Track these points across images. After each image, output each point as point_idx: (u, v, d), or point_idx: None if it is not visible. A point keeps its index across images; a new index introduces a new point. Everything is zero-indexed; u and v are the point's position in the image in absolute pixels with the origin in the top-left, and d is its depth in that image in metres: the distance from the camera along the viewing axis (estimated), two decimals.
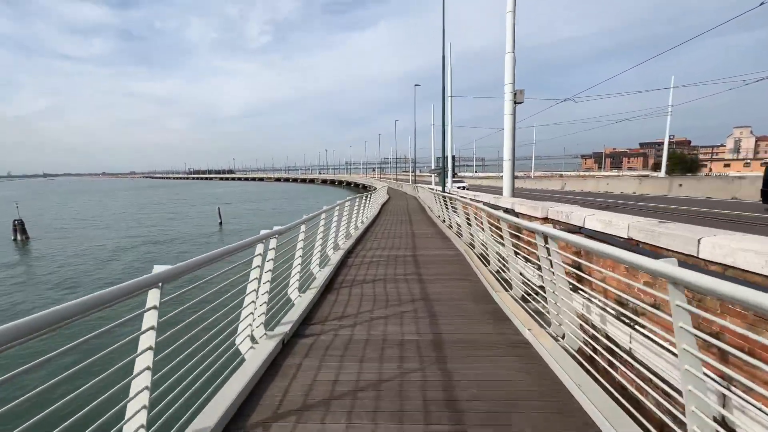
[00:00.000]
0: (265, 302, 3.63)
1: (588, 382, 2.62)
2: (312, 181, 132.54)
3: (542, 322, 3.70)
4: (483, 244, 7.15)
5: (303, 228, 5.23)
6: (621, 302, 3.50)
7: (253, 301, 3.39)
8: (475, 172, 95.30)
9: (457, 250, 8.08)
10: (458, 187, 24.90)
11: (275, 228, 3.88)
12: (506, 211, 6.76)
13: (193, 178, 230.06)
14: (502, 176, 10.81)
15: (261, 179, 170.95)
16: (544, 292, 3.70)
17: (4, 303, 13.43)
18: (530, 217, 5.87)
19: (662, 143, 33.84)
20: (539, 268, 3.66)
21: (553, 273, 3.37)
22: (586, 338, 2.97)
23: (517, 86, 10.22)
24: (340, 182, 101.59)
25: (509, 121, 10.28)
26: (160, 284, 1.97)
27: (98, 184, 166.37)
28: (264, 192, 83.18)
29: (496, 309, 4.47)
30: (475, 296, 4.97)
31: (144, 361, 1.91)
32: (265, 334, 3.56)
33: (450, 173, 20.53)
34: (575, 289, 3.83)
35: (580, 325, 3.26)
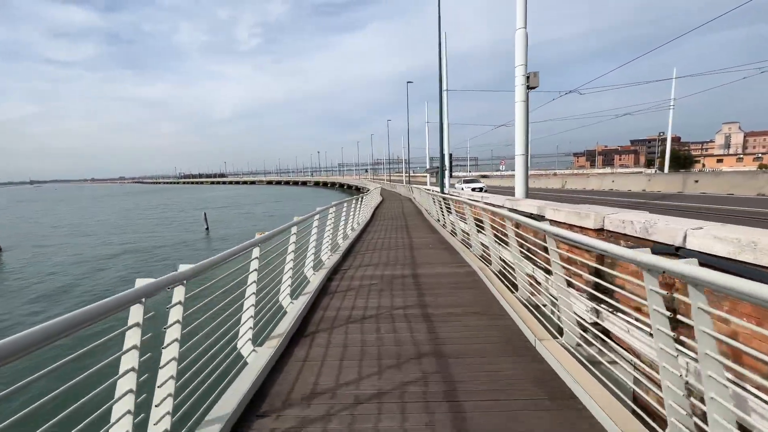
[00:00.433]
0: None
1: None
2: (304, 183, 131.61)
3: (646, 417, 2.16)
4: (503, 261, 5.62)
5: (255, 253, 3.65)
6: None
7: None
8: (468, 171, 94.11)
9: (467, 265, 6.53)
10: (473, 189, 20.80)
11: (184, 269, 2.30)
12: (531, 217, 5.25)
13: (184, 183, 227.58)
14: (499, 175, 9.32)
15: (253, 182, 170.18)
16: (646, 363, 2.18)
17: None
18: (570, 227, 4.37)
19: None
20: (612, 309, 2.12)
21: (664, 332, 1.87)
22: None
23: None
24: (333, 184, 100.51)
25: (521, 109, 8.77)
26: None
27: (86, 191, 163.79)
28: (256, 195, 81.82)
29: (546, 373, 2.94)
30: (509, 347, 3.42)
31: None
32: None
33: (448, 172, 18.99)
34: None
35: None
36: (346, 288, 5.48)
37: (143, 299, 1.84)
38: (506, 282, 5.09)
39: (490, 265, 5.99)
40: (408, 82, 39.29)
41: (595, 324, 3.40)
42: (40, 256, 22.11)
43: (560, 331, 3.45)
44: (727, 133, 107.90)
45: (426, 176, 37.73)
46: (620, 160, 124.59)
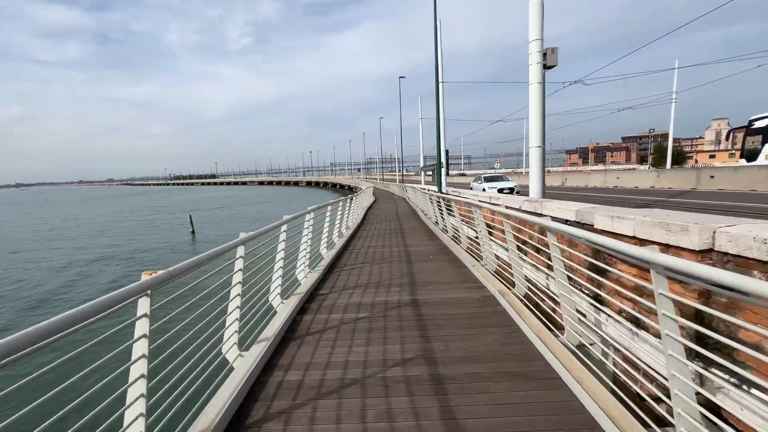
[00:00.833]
0: None
1: None
2: (296, 183, 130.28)
3: None
4: (533, 284, 4.24)
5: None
6: None
7: None
8: (462, 170, 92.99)
9: (481, 286, 5.11)
10: (499, 190, 15.13)
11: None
12: (566, 223, 3.89)
13: (174, 184, 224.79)
14: (496, 174, 7.95)
15: (244, 183, 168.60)
16: None
17: None
18: (640, 242, 3.01)
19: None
20: None
21: None
22: None
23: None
24: (326, 184, 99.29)
25: (537, 93, 7.41)
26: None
27: (73, 193, 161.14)
28: (247, 196, 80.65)
29: None
30: None
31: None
32: None
33: (444, 170, 17.59)
34: None
35: None
36: (323, 325, 4.05)
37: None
38: (540, 315, 3.70)
39: (513, 287, 4.60)
40: (400, 77, 38.14)
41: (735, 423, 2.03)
42: (13, 261, 20.92)
43: (660, 421, 2.07)
44: (717, 129, 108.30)
45: (421, 175, 36.18)
46: (612, 157, 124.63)
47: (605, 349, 2.72)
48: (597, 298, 3.55)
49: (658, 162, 46.45)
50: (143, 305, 2.00)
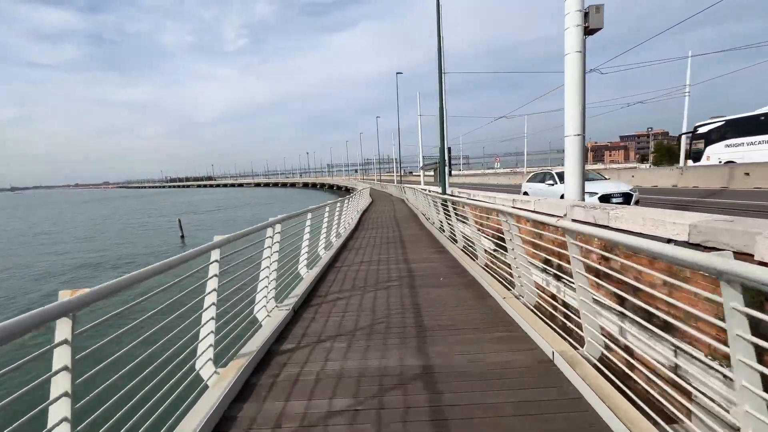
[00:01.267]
0: None
1: None
2: (293, 185, 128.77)
3: None
4: (606, 335, 2.59)
5: None
6: None
7: None
8: (461, 169, 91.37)
9: (524, 337, 3.46)
10: (603, 197, 8.84)
11: None
12: (705, 249, 2.26)
13: (170, 187, 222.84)
14: (493, 173, 6.31)
15: (241, 185, 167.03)
16: None
17: None
18: None
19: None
20: None
21: None
22: None
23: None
24: (322, 185, 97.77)
25: (575, 65, 5.75)
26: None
27: (68, 196, 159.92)
28: (243, 198, 79.87)
29: None
30: None
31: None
32: None
33: (447, 169, 15.93)
34: None
35: None
36: (281, 420, 2.40)
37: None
38: (640, 402, 2.06)
39: (584, 346, 2.94)
40: (398, 73, 36.61)
41: None
42: None
43: None
44: None
45: (420, 174, 34.45)
46: (610, 156, 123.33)
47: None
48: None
49: (659, 161, 44.98)
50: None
